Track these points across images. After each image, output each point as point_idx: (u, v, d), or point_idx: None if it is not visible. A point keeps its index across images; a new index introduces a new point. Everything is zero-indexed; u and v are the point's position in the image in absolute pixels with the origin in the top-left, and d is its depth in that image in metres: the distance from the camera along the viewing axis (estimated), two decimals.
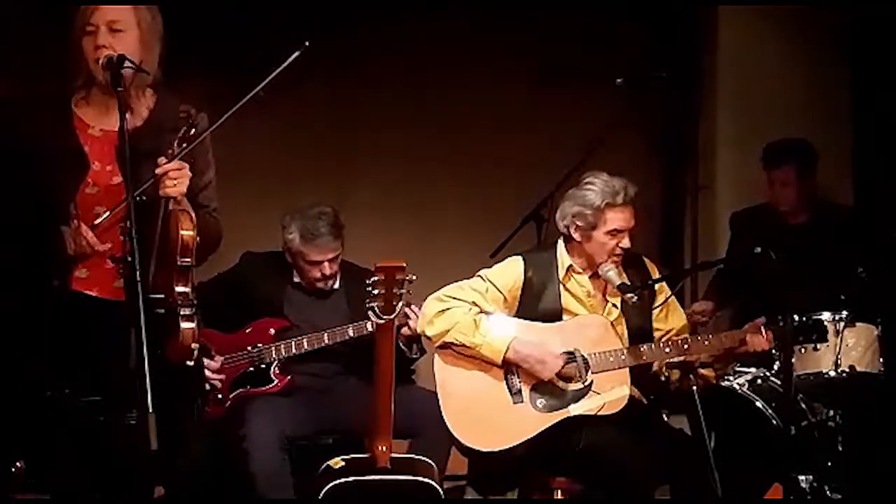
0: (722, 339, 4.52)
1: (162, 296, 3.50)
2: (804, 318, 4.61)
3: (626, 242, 4.51)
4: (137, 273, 3.29)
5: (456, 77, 6.27)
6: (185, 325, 3.52)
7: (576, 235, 4.56)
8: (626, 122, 5.68)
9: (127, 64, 3.50)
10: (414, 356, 4.99)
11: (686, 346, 4.48)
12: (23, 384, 3.63)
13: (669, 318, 4.65)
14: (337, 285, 5.13)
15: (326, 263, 5.04)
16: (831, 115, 6.25)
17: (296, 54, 3.63)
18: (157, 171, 3.50)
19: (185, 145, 3.53)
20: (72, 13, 3.59)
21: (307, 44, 3.62)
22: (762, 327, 4.49)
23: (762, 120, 6.17)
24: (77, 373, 3.55)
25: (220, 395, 4.93)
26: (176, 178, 3.51)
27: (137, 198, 3.43)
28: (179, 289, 3.54)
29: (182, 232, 3.52)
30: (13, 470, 3.76)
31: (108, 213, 3.55)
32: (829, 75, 6.31)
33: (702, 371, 4.50)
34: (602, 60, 6.08)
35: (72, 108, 3.64)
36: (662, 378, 4.61)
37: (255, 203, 5.86)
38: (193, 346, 3.53)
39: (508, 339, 4.43)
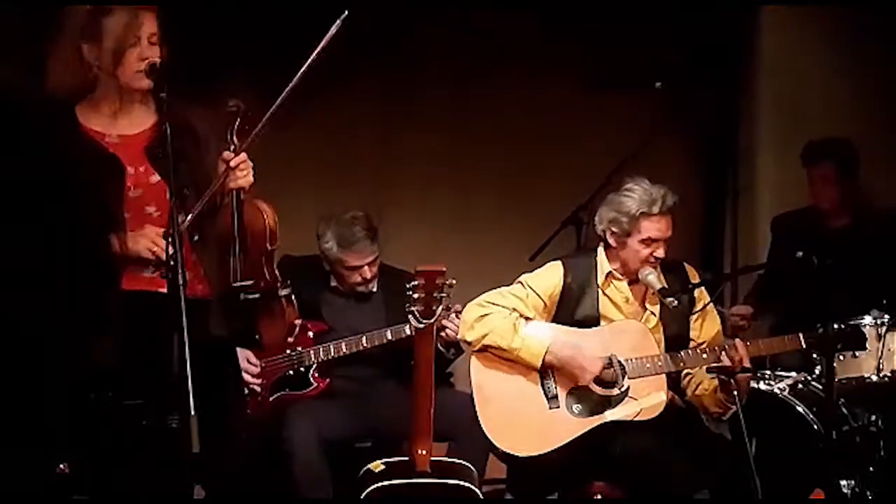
0: (760, 345, 4.52)
1: (251, 282, 3.69)
2: (844, 327, 4.58)
3: (660, 252, 4.49)
4: (179, 276, 3.30)
5: (496, 81, 6.27)
6: (287, 303, 3.84)
7: (611, 241, 4.55)
8: (666, 126, 5.67)
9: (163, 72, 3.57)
10: (451, 357, 5.00)
11: (723, 353, 4.46)
12: (66, 386, 3.65)
13: (704, 326, 4.62)
14: (375, 288, 5.14)
15: (366, 267, 5.05)
16: (873, 118, 6.20)
17: (337, 24, 3.55)
18: (228, 164, 3.63)
19: (244, 137, 3.67)
20: (66, 18, 3.61)
21: (346, 13, 3.54)
22: (800, 335, 4.47)
23: (803, 123, 6.11)
24: (121, 375, 3.57)
25: (260, 398, 4.96)
26: (245, 168, 3.66)
27: (185, 191, 3.57)
28: (276, 272, 3.81)
29: (268, 220, 3.76)
30: (57, 472, 3.79)
31: (189, 216, 3.60)
32: (871, 77, 6.25)
33: (741, 377, 4.47)
34: (643, 65, 6.06)
35: (77, 119, 3.65)
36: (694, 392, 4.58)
37: (294, 206, 5.86)
38: (297, 321, 3.95)
39: (547, 342, 4.43)
